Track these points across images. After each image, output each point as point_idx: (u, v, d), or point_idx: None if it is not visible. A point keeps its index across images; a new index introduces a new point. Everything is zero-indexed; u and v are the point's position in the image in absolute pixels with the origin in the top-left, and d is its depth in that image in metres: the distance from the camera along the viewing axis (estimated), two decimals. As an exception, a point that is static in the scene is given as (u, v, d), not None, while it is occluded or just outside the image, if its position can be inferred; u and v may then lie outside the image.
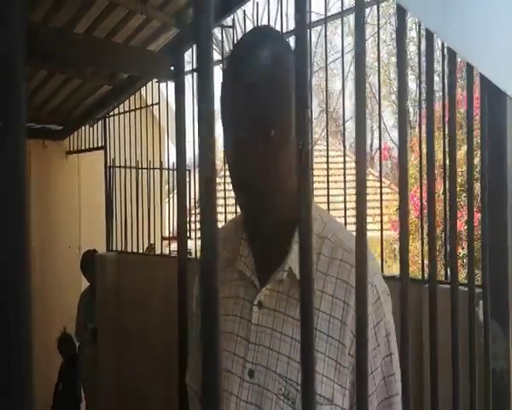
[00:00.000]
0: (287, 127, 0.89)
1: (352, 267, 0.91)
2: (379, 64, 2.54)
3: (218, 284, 0.25)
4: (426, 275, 2.71)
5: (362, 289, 0.39)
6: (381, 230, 2.39)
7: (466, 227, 0.89)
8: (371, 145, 16.45)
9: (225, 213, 3.07)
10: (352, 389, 0.90)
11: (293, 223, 0.93)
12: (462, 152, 3.68)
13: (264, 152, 0.88)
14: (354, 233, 0.44)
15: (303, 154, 0.31)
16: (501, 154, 0.96)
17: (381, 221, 2.40)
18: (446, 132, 3.71)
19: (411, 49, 13.73)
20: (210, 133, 0.26)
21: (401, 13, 0.44)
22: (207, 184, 0.24)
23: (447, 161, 2.30)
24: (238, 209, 1.12)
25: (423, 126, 2.69)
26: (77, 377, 4.29)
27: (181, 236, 2.97)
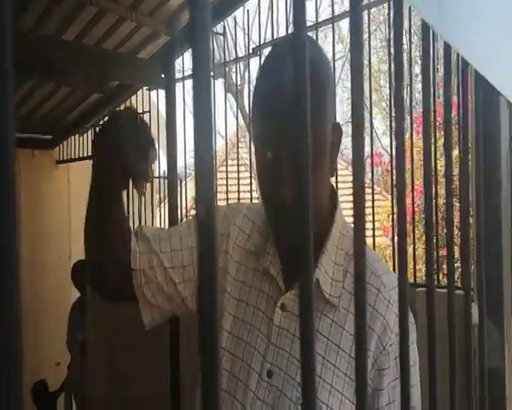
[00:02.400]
0: (320, 143, 0.87)
1: (379, 292, 0.91)
2: (370, 71, 2.55)
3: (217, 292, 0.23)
4: (417, 279, 2.71)
5: (361, 286, 0.37)
6: (374, 236, 2.39)
7: (457, 230, 0.89)
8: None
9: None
10: None
11: (319, 233, 0.93)
12: (454, 154, 3.69)
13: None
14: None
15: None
16: (495, 153, 0.96)
17: (373, 227, 2.40)
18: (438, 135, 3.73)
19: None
20: (208, 142, 0.24)
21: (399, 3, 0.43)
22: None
23: (438, 165, 2.30)
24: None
25: (414, 132, 2.69)
26: None
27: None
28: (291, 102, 0.86)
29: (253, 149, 1.03)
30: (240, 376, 0.95)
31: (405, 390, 0.45)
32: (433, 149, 2.36)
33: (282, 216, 0.88)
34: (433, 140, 2.43)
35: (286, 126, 0.83)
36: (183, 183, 3.79)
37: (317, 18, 2.64)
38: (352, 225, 1.12)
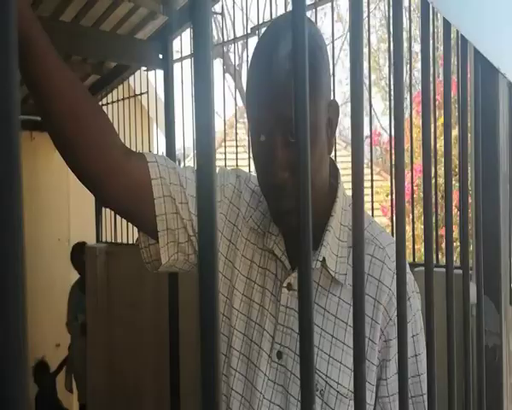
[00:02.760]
0: (315, 120, 0.85)
1: (383, 264, 0.91)
2: (369, 50, 2.54)
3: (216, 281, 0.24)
4: (416, 259, 2.73)
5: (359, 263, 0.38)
6: (372, 216, 2.39)
7: (457, 210, 0.89)
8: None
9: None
10: (377, 383, 0.91)
11: (324, 212, 0.92)
12: (454, 133, 3.68)
13: (290, 154, 0.84)
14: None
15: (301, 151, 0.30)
16: (493, 133, 0.96)
17: (372, 207, 2.41)
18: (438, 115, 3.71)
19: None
20: (209, 119, 0.25)
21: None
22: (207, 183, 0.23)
23: (438, 144, 2.31)
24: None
25: (414, 111, 2.69)
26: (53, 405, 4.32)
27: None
28: (286, 85, 0.84)
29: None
30: (250, 357, 0.95)
31: (403, 359, 0.46)
32: (432, 128, 2.36)
33: (277, 197, 0.87)
34: (432, 119, 2.43)
35: (280, 110, 0.82)
36: (182, 164, 3.79)
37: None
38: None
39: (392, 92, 2.31)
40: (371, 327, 0.89)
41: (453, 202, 0.75)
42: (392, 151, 2.43)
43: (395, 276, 0.90)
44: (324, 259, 0.90)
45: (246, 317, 0.97)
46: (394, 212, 0.48)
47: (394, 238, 0.95)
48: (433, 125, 2.28)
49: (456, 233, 2.84)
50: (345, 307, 0.91)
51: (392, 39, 0.48)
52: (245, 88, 0.94)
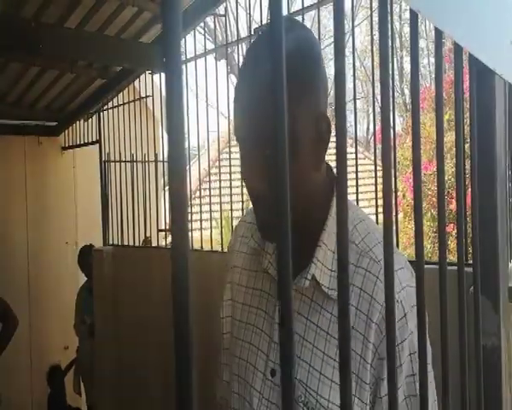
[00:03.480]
0: (303, 135, 0.85)
1: (377, 279, 0.88)
2: (372, 47, 2.53)
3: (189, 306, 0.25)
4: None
5: (343, 272, 0.38)
6: (376, 213, 2.40)
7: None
8: (367, 129, 16.47)
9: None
10: (373, 401, 0.89)
11: (313, 227, 0.92)
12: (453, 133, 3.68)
13: (267, 167, 0.84)
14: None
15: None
16: (490, 132, 0.96)
17: (376, 205, 2.41)
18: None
19: (407, 29, 13.66)
20: (180, 138, 0.26)
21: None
22: (178, 197, 0.24)
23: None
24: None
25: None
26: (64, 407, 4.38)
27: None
28: (263, 103, 0.84)
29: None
30: (247, 378, 0.97)
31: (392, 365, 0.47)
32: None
33: (258, 210, 0.90)
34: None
35: (256, 122, 0.83)
36: (188, 166, 3.81)
37: (318, -1, 2.62)
38: (353, 210, 1.09)
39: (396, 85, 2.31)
40: (363, 345, 0.87)
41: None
42: (397, 148, 2.43)
43: None
44: (314, 276, 0.89)
45: (240, 340, 0.99)
46: (382, 221, 0.49)
47: (399, 258, 0.93)
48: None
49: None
50: (337, 324, 0.91)
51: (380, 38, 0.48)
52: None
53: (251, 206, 1.11)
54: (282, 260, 0.29)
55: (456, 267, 0.82)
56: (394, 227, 2.50)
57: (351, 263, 0.90)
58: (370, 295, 0.88)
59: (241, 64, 0.92)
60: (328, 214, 0.92)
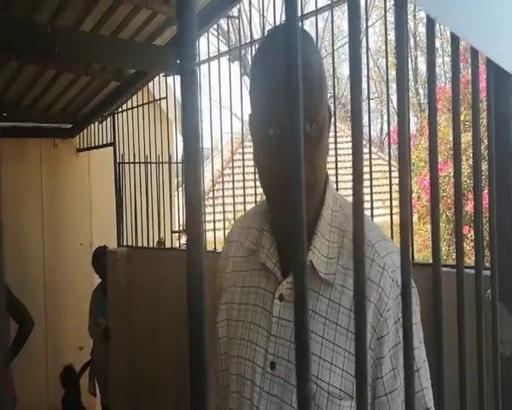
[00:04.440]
0: (324, 122, 0.90)
1: (373, 262, 0.91)
2: (386, 47, 2.52)
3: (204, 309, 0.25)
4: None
5: (360, 265, 0.38)
6: (391, 214, 2.38)
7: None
8: (381, 129, 16.38)
9: (233, 206, 3.07)
10: (373, 383, 0.90)
11: (311, 215, 0.94)
12: (470, 134, 3.65)
13: (305, 148, 0.85)
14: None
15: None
16: (507, 135, 0.95)
17: (391, 205, 2.39)
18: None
19: (421, 29, 13.54)
20: (196, 148, 0.26)
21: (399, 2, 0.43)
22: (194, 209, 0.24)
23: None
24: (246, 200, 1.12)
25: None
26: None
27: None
28: (305, 78, 0.85)
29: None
30: (246, 374, 0.97)
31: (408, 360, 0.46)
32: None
33: (287, 190, 0.88)
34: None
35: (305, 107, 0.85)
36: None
37: None
38: (344, 199, 1.11)
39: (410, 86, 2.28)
40: None
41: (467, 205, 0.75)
42: (413, 150, 2.41)
43: (384, 272, 0.91)
44: (312, 262, 0.92)
45: (238, 339, 1.00)
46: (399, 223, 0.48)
47: (390, 244, 0.95)
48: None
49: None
50: (335, 308, 0.92)
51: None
52: (250, 85, 0.95)
53: (252, 209, 1.17)
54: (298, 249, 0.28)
55: (472, 271, 0.81)
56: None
57: (347, 250, 0.94)
58: (367, 276, 0.89)
59: (264, 45, 0.96)
60: (322, 203, 0.96)
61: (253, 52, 2.89)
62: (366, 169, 2.49)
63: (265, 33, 3.00)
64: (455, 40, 0.65)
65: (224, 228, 3.43)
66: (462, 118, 4.92)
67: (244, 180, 3.07)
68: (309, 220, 0.93)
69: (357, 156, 0.39)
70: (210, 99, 3.25)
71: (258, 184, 2.94)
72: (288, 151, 0.87)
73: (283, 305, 0.95)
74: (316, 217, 0.95)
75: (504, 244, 0.94)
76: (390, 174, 2.41)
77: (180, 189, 4.06)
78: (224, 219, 3.54)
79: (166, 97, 3.85)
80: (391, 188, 2.42)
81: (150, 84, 4.14)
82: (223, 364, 1.05)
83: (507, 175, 0.91)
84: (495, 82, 0.86)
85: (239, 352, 0.99)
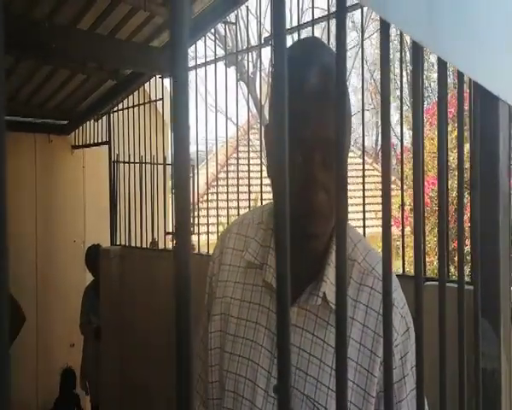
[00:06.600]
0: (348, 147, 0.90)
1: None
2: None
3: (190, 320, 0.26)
4: (429, 272, 2.72)
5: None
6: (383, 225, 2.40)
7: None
8: (376, 141, 16.36)
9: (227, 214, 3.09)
10: None
11: (324, 245, 0.92)
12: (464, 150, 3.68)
13: (326, 176, 0.85)
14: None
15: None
16: (494, 155, 0.97)
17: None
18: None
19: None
20: (185, 153, 0.27)
21: (385, 27, 0.45)
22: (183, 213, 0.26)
23: (451, 158, 2.31)
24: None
25: (427, 123, 2.68)
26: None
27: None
28: (329, 107, 0.85)
29: (263, 138, 1.03)
30: (245, 394, 0.94)
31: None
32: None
33: (310, 219, 0.86)
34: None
35: (322, 131, 0.83)
36: (195, 170, 3.83)
37: (328, 9, 2.63)
38: (348, 223, 1.11)
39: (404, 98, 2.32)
40: (370, 360, 0.89)
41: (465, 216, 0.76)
42: (406, 163, 2.44)
43: (394, 309, 0.89)
44: (325, 294, 0.90)
45: (237, 356, 0.96)
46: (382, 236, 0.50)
47: (395, 277, 0.94)
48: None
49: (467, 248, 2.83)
50: None
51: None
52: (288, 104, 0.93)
53: (248, 216, 1.10)
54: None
55: (456, 285, 0.83)
56: (400, 242, 2.51)
57: (355, 281, 0.93)
58: (377, 311, 0.90)
59: (293, 64, 0.88)
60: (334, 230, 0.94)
61: (250, 58, 2.90)
62: (360, 180, 2.51)
63: (263, 42, 3.02)
64: (442, 64, 0.67)
65: (218, 232, 3.44)
66: (454, 134, 4.94)
67: (238, 184, 3.09)
68: (321, 251, 0.92)
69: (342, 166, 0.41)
70: (206, 103, 3.27)
71: (252, 189, 2.97)
72: (316, 179, 0.84)
73: (291, 331, 0.92)
74: (328, 247, 0.93)
75: (488, 261, 0.96)
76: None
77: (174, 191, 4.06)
78: (217, 223, 3.55)
79: (162, 99, 3.86)
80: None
81: (146, 84, 4.15)
82: (213, 376, 1.01)
83: (492, 188, 0.93)
84: (481, 103, 0.88)
85: (237, 370, 0.96)
